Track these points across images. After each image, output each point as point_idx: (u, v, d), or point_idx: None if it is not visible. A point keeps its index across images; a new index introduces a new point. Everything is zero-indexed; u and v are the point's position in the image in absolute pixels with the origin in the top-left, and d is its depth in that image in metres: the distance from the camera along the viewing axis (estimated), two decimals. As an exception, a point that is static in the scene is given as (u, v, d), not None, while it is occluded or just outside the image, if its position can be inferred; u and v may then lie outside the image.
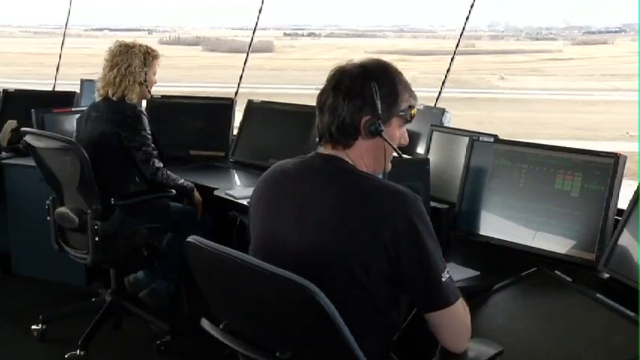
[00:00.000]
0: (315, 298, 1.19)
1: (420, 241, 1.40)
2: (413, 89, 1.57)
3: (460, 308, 1.45)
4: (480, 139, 2.35)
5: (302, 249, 1.43)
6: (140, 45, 3.05)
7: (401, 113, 1.53)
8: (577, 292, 1.77)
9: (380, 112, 1.47)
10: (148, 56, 3.04)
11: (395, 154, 1.57)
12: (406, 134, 1.59)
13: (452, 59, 4.45)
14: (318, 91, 1.54)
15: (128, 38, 3.12)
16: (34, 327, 3.08)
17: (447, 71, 4.43)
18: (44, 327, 3.07)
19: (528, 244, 2.13)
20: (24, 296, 3.55)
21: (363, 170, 1.51)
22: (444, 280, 1.42)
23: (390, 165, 1.58)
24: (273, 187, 1.55)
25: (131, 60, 2.98)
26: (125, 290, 3.16)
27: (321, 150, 1.54)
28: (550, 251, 2.07)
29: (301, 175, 1.51)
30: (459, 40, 4.52)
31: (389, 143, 1.52)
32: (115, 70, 2.97)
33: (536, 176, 2.15)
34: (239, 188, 3.04)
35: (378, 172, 1.57)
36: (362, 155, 1.52)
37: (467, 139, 2.41)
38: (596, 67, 26.49)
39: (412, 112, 1.55)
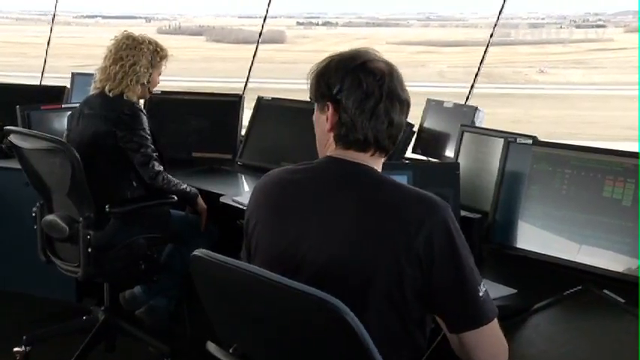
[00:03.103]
0: (344, 316, 1.19)
1: (455, 251, 1.43)
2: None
3: (496, 327, 1.48)
4: (517, 140, 2.35)
5: (321, 263, 1.45)
6: (150, 42, 3.07)
7: None
8: (629, 315, 1.76)
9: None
10: (156, 56, 3.07)
11: None
12: None
13: (485, 50, 4.45)
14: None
15: (133, 30, 3.14)
16: (16, 349, 3.08)
17: (480, 64, 4.43)
18: (28, 349, 3.07)
19: (572, 259, 2.12)
20: (6, 314, 3.57)
21: (387, 176, 1.54)
22: (481, 294, 1.44)
23: None
24: (279, 198, 1.57)
25: (138, 58, 3.01)
26: (120, 307, 3.18)
27: (336, 154, 1.56)
28: (597, 267, 2.06)
29: (315, 185, 1.53)
30: (494, 29, 4.52)
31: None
32: (117, 66, 3.00)
33: (582, 182, 2.15)
34: (247, 194, 3.04)
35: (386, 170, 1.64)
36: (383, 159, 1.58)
37: (502, 140, 2.41)
38: (654, 58, 26.20)
39: None
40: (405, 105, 1.55)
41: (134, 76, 3.00)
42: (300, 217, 1.51)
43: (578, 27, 33.37)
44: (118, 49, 3.03)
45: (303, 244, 1.48)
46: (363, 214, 1.45)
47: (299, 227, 1.51)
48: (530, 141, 2.32)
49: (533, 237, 2.24)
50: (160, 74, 3.14)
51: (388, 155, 1.59)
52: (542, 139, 2.37)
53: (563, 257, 2.14)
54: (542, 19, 34.51)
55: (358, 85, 1.50)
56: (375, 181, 1.52)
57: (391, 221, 1.43)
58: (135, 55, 3.02)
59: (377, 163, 1.56)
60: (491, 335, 1.46)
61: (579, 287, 1.92)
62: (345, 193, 1.49)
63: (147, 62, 3.04)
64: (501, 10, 4.41)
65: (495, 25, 4.51)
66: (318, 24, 38.28)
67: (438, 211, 1.44)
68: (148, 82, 3.07)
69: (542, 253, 2.20)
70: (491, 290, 1.86)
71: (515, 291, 1.98)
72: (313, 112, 1.60)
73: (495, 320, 1.46)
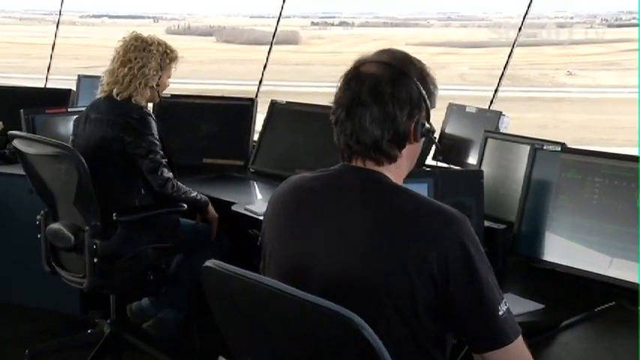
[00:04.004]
0: (361, 330, 1.20)
1: (473, 267, 1.42)
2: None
3: (521, 345, 1.46)
4: (544, 147, 2.35)
5: (331, 275, 1.46)
6: (159, 43, 3.11)
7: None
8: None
9: (431, 108, 1.56)
10: (165, 58, 3.10)
11: None
12: None
13: (511, 52, 4.43)
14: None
15: (141, 30, 3.18)
16: (20, 363, 3.11)
17: (505, 66, 4.42)
18: (32, 363, 3.11)
19: (603, 273, 2.11)
20: (8, 327, 3.58)
21: (401, 185, 1.54)
22: (500, 313, 1.43)
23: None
24: (295, 206, 1.58)
25: (146, 60, 3.04)
26: (127, 320, 3.20)
27: (352, 162, 1.57)
28: (631, 282, 2.04)
29: (329, 193, 1.54)
30: (520, 29, 4.51)
31: (435, 143, 1.62)
32: (126, 68, 3.03)
33: (613, 192, 2.14)
34: (260, 203, 3.07)
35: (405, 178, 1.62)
36: (401, 164, 1.56)
37: (528, 147, 2.41)
38: (694, 59, 25.93)
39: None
40: (384, 112, 1.49)
41: (143, 79, 3.03)
42: (312, 227, 1.53)
43: (609, 26, 33.11)
44: (126, 50, 3.06)
45: (314, 255, 1.50)
46: (377, 226, 1.45)
47: (311, 238, 1.52)
48: (558, 148, 2.32)
49: (562, 249, 2.23)
50: (169, 77, 3.17)
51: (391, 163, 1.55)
52: (570, 145, 2.37)
53: (593, 271, 2.13)
54: (571, 18, 34.32)
55: (341, 89, 1.54)
56: (388, 191, 1.51)
57: (403, 235, 1.43)
58: (144, 57, 3.05)
59: (390, 171, 1.55)
60: (516, 355, 1.45)
61: (612, 303, 1.91)
62: (358, 204, 1.50)
63: (156, 65, 3.06)
64: (528, 9, 4.39)
65: (522, 25, 4.50)
66: (333, 24, 38.35)
67: (454, 225, 1.43)
68: (157, 85, 3.10)
69: (572, 266, 2.19)
70: (518, 305, 1.87)
71: (542, 306, 1.97)
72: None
73: (520, 338, 1.45)
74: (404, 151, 1.54)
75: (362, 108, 1.51)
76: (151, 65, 3.05)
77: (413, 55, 1.61)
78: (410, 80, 1.51)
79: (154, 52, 3.07)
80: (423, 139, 1.56)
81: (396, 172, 1.56)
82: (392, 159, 1.54)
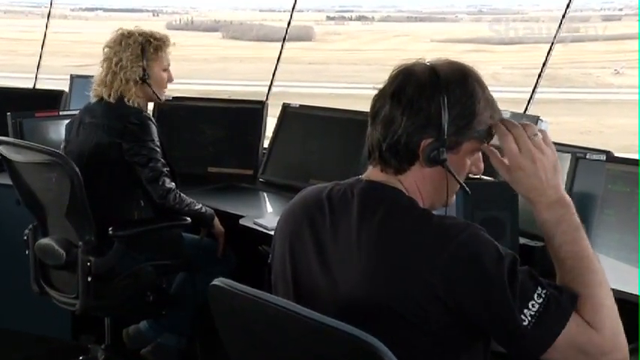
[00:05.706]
0: (384, 358, 1.22)
1: (480, 283, 1.41)
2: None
3: (572, 334, 1.41)
4: (587, 156, 2.35)
5: (340, 296, 1.49)
6: (140, 33, 3.11)
7: (475, 135, 1.56)
8: None
9: (446, 136, 1.50)
10: (148, 47, 3.09)
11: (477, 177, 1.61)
12: (481, 161, 1.62)
13: (550, 49, 4.42)
14: (374, 91, 1.59)
15: (140, 25, 3.21)
16: (5, 392, 3.15)
17: (543, 65, 4.40)
18: (18, 392, 3.14)
19: (654, 297, 2.10)
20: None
21: (416, 203, 1.54)
22: (525, 323, 1.39)
23: (453, 198, 1.62)
24: (304, 221, 1.61)
25: (122, 53, 3.06)
26: (123, 345, 3.22)
27: (368, 173, 1.59)
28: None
29: (336, 209, 1.56)
30: (561, 23, 4.50)
31: (453, 176, 1.54)
32: (105, 67, 3.07)
33: (665, 206, 2.14)
34: (271, 216, 3.09)
35: (437, 207, 1.60)
36: (417, 184, 1.56)
37: (569, 156, 2.41)
38: None
39: (493, 133, 1.58)
40: (392, 114, 1.51)
41: (122, 74, 3.04)
42: (319, 245, 1.56)
43: (664, 18, 32.84)
44: (106, 47, 3.11)
45: (321, 275, 1.53)
46: (377, 246, 1.48)
47: (318, 257, 1.55)
48: (604, 157, 2.32)
49: (608, 270, 2.18)
50: (164, 68, 3.17)
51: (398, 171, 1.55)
52: (617, 153, 2.37)
53: (643, 294, 2.12)
54: (620, 10, 34.03)
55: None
56: (394, 209, 1.51)
57: (403, 257, 1.45)
58: (119, 50, 3.07)
59: (404, 186, 1.55)
60: (563, 351, 1.41)
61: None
62: (364, 222, 1.51)
63: (132, 56, 3.06)
64: (570, 0, 4.38)
65: (563, 18, 4.48)
66: (351, 19, 38.28)
67: (451, 242, 1.43)
68: (147, 77, 3.09)
69: (619, 289, 2.17)
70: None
71: (585, 333, 1.96)
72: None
73: (566, 329, 1.40)
74: (416, 169, 1.53)
75: (382, 102, 1.54)
76: (125, 56, 3.05)
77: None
78: (439, 93, 1.50)
79: (131, 42, 3.07)
80: (442, 169, 1.52)
81: (411, 188, 1.55)
82: (396, 170, 1.54)
